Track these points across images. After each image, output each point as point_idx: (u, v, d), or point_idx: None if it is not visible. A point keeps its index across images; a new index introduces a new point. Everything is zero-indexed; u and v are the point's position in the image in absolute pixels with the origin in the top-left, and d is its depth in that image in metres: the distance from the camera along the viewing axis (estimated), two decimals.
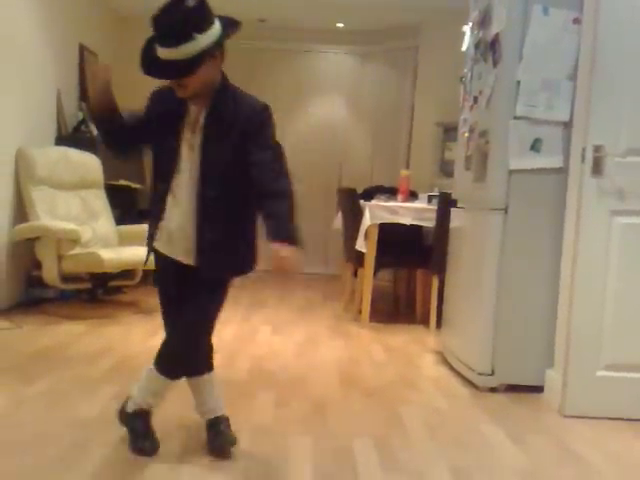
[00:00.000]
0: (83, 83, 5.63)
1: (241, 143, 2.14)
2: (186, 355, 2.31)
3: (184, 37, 2.01)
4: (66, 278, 4.42)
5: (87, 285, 4.77)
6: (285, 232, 2.16)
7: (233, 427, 2.36)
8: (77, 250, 4.35)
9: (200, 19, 2.04)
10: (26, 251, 4.55)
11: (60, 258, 4.32)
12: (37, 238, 4.38)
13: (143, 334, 3.94)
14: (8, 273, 4.49)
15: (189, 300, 2.26)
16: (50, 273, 4.35)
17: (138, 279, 4.92)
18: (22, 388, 2.90)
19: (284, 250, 2.10)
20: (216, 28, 2.09)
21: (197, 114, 2.17)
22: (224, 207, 2.20)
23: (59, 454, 2.23)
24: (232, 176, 2.17)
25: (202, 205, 2.18)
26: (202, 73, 2.07)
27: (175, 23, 2.01)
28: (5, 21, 4.29)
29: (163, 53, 2.04)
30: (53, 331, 3.99)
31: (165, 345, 2.28)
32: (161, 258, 2.30)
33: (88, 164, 5.06)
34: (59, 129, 5.26)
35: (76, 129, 5.37)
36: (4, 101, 4.35)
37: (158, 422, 2.34)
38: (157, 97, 2.24)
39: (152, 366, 2.26)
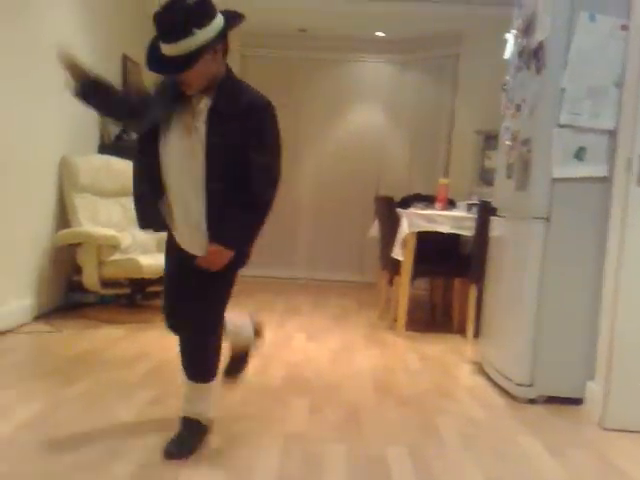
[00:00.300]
0: None
1: (242, 135, 2.17)
2: (206, 350, 2.36)
3: (184, 33, 2.05)
4: (106, 283, 4.49)
5: (126, 290, 4.84)
6: (230, 240, 2.23)
7: (268, 434, 2.36)
8: (117, 256, 4.42)
9: (201, 15, 2.08)
10: (67, 256, 4.64)
11: (100, 264, 4.39)
12: (78, 244, 4.46)
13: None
14: (50, 278, 4.58)
15: (193, 296, 2.29)
16: (90, 278, 4.42)
17: None
18: (61, 390, 2.94)
19: (218, 252, 2.20)
20: (217, 22, 2.12)
21: (198, 100, 2.19)
22: (225, 196, 2.21)
23: (95, 456, 2.26)
24: (234, 165, 2.18)
25: (210, 195, 2.20)
26: (202, 67, 2.11)
27: (175, 20, 2.06)
28: (51, 33, 4.40)
29: (165, 49, 2.09)
30: (92, 335, 4.05)
31: (186, 354, 2.35)
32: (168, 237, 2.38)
33: (129, 172, 5.10)
34: (102, 138, 5.36)
35: (118, 138, 5.46)
36: (50, 110, 4.45)
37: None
38: (163, 86, 2.29)
39: (189, 381, 2.36)
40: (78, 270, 4.53)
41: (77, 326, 4.25)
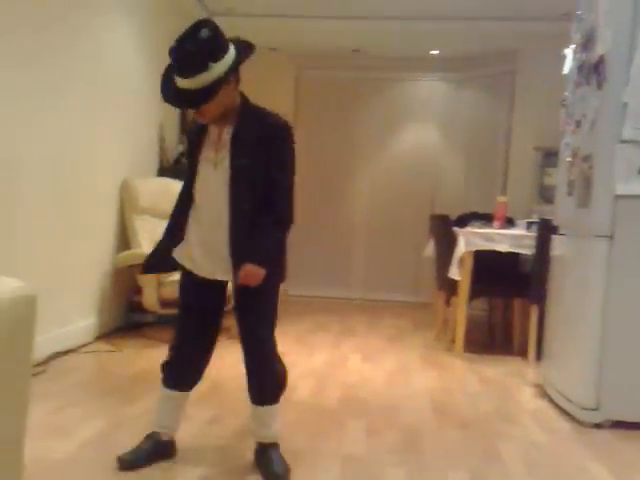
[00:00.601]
0: (183, 117, 5.86)
1: (266, 157, 2.22)
2: (272, 373, 2.36)
3: (200, 67, 2.10)
4: (164, 303, 4.56)
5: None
6: (262, 257, 2.24)
7: (325, 456, 2.33)
8: (175, 277, 4.48)
9: (214, 48, 2.13)
10: (128, 277, 4.75)
11: (159, 284, 4.47)
12: (138, 265, 4.55)
13: (235, 359, 3.99)
14: (111, 298, 4.69)
15: (240, 322, 2.36)
16: (150, 298, 4.51)
17: (231, 305, 5.00)
18: (122, 409, 2.99)
19: (254, 270, 2.22)
20: (230, 54, 2.16)
21: (219, 134, 2.25)
22: (252, 218, 2.24)
23: (157, 475, 2.28)
24: (258, 189, 2.23)
25: (234, 218, 2.23)
26: (218, 99, 2.16)
27: (190, 55, 2.10)
28: (111, 58, 4.55)
29: (181, 83, 2.14)
30: (151, 354, 4.11)
31: (256, 380, 2.35)
32: (184, 271, 2.41)
33: None
34: (161, 161, 5.49)
35: (177, 161, 5.58)
36: (112, 135, 4.59)
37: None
38: (189, 133, 2.42)
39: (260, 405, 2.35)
40: (138, 291, 4.63)
41: (137, 345, 4.33)
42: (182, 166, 5.49)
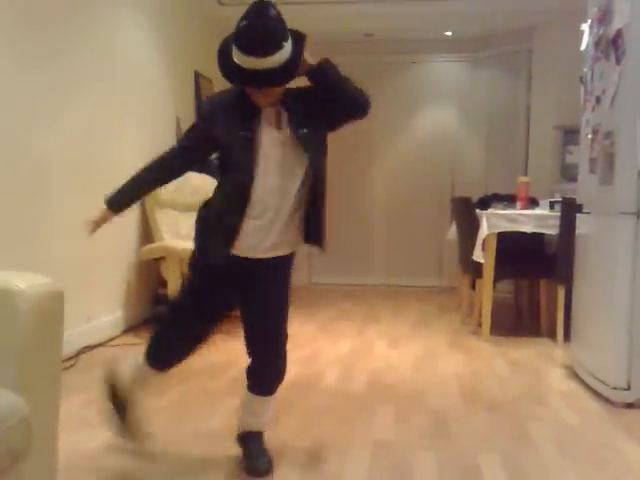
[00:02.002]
0: (200, 109, 5.88)
1: (324, 124, 2.22)
2: (280, 367, 2.30)
3: (277, 46, 2.03)
4: None
5: None
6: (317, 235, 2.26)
7: (355, 442, 2.33)
8: None
9: (284, 27, 2.07)
10: (152, 270, 4.79)
11: (183, 276, 4.50)
12: (162, 258, 4.59)
13: None
14: (136, 292, 4.73)
15: (258, 311, 2.27)
16: (175, 291, 4.53)
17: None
18: (152, 401, 3.01)
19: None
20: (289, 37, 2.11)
21: (276, 113, 2.17)
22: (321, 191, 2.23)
23: (188, 465, 2.30)
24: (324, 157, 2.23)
25: (314, 192, 2.19)
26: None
27: (269, 33, 2.02)
28: (125, 52, 4.56)
29: (251, 62, 2.02)
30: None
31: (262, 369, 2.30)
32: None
33: (207, 186, 5.25)
34: None
35: None
36: (131, 129, 4.62)
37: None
38: (209, 112, 2.25)
39: (249, 391, 2.31)
40: (163, 283, 4.66)
41: None
42: None
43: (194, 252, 2.32)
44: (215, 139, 2.20)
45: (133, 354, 2.41)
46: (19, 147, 3.33)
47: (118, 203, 2.36)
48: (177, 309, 2.43)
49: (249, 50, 2.01)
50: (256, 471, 2.24)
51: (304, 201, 2.20)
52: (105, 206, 2.34)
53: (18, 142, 3.33)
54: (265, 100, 2.14)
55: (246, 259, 2.20)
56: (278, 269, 2.25)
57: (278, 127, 2.17)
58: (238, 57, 2.04)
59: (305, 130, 2.17)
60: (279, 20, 2.06)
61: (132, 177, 2.40)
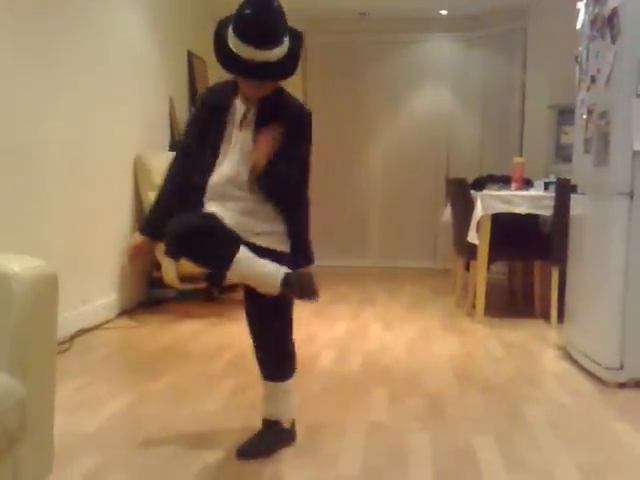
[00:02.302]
0: (193, 89, 5.83)
1: (284, 142, 2.13)
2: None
3: (277, 40, 2.01)
4: (184, 278, 4.59)
5: (203, 285, 4.93)
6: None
7: (350, 424, 2.33)
8: None
9: (285, 22, 2.05)
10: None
11: (177, 259, 4.48)
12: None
13: None
14: (131, 275, 4.72)
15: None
16: (169, 274, 4.52)
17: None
18: (148, 383, 3.03)
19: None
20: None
21: (245, 111, 2.15)
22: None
23: (185, 446, 2.31)
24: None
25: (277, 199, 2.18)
26: None
27: (271, 25, 1.99)
28: (118, 32, 4.51)
29: (248, 52, 1.99)
30: (173, 329, 4.15)
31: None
32: None
33: None
34: (172, 135, 5.47)
35: None
36: (122, 111, 4.58)
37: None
38: (207, 100, 2.26)
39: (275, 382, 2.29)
40: (157, 266, 4.65)
41: (159, 321, 4.37)
42: None
43: None
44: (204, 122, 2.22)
45: None
46: (14, 131, 3.30)
47: (154, 230, 2.24)
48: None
49: (250, 40, 1.98)
50: (236, 450, 2.24)
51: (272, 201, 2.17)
52: (142, 236, 2.27)
53: (13, 126, 3.29)
54: (252, 92, 2.13)
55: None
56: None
57: (240, 126, 2.15)
58: (236, 45, 2.01)
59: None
60: (281, 14, 2.03)
61: (159, 200, 2.29)
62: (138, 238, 2.28)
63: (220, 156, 2.17)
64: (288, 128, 2.15)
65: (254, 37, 1.98)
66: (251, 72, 2.05)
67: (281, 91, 2.21)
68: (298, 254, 2.25)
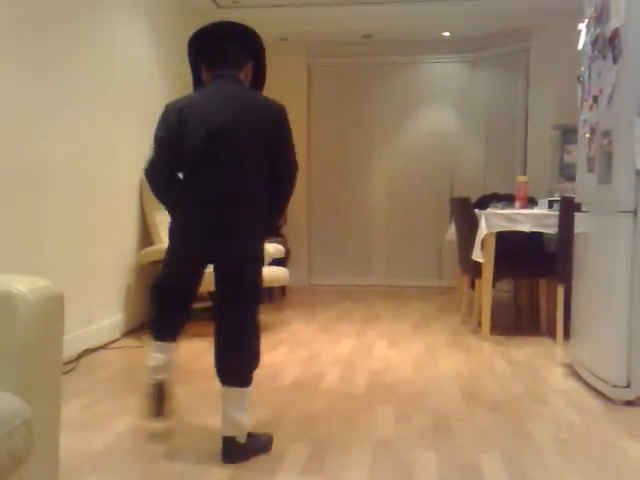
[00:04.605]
0: None
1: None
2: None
3: None
4: None
5: (208, 304, 4.93)
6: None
7: (356, 441, 2.33)
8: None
9: None
10: (152, 273, 4.78)
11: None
12: (161, 260, 4.58)
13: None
14: (137, 294, 4.74)
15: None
16: None
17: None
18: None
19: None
20: None
21: None
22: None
23: (191, 465, 2.31)
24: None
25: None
26: None
27: None
28: (129, 57, 4.58)
29: None
30: (179, 348, 4.13)
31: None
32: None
33: None
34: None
35: None
36: (129, 131, 4.63)
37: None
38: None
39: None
40: None
41: None
42: None
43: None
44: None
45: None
46: (17, 150, 3.34)
47: None
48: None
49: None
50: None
51: None
52: None
53: (16, 145, 3.33)
54: None
55: None
56: None
57: None
58: None
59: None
60: None
61: None
62: None
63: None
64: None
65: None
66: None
67: None
68: None
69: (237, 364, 2.39)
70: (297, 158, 2.46)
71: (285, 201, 2.51)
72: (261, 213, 2.39)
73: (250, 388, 2.39)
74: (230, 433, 2.35)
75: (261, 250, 2.44)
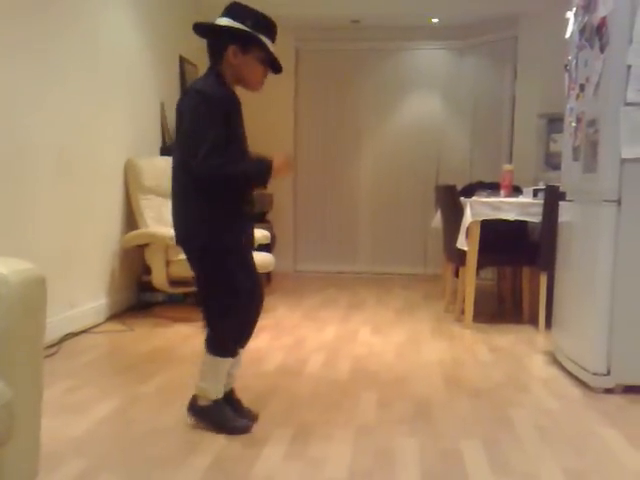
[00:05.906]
0: None
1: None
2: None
3: None
4: (173, 282, 4.59)
5: (192, 289, 4.92)
6: None
7: (338, 427, 2.34)
8: (183, 255, 4.49)
9: None
10: (137, 257, 4.77)
11: (168, 263, 4.49)
12: (146, 245, 4.57)
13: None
14: (121, 279, 4.72)
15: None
16: (159, 278, 4.53)
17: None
18: (136, 387, 3.03)
19: None
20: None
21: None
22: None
23: (172, 450, 2.31)
24: None
25: None
26: None
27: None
28: (108, 34, 4.51)
29: (273, 49, 2.37)
30: (163, 333, 4.14)
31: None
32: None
33: None
34: (163, 140, 5.47)
35: None
36: (114, 115, 4.58)
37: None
38: (227, 102, 2.38)
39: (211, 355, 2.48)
40: (147, 270, 4.65)
41: (148, 325, 4.37)
42: None
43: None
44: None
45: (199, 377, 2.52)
46: (1, 133, 3.30)
47: None
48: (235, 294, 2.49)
49: (274, 38, 2.37)
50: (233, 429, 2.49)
51: None
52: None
53: (0, 128, 3.29)
54: (261, 86, 2.45)
55: None
56: None
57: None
58: (270, 46, 2.36)
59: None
60: None
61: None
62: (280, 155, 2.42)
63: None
64: None
65: (275, 34, 2.37)
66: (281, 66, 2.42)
67: None
68: None
69: (208, 333, 2.54)
70: (206, 153, 2.22)
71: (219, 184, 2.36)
72: (196, 200, 2.36)
73: (216, 360, 2.47)
74: (195, 390, 2.51)
75: (205, 236, 2.41)
